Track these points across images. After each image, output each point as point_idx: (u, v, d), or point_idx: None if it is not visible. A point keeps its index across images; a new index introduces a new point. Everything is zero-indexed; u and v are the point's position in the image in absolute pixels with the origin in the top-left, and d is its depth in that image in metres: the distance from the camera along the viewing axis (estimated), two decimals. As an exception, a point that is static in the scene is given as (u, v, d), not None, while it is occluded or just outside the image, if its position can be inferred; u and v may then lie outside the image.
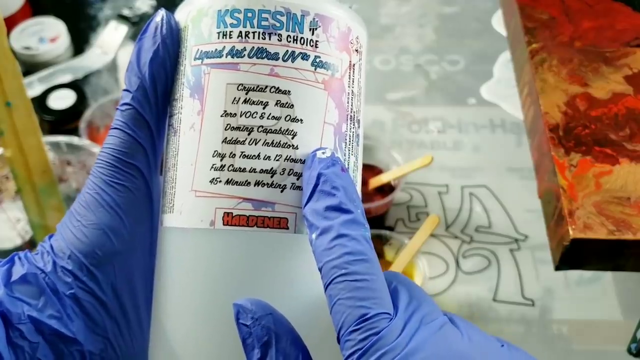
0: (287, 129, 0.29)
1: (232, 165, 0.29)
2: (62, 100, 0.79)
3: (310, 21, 0.30)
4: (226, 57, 0.29)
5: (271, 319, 0.27)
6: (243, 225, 0.29)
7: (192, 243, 0.29)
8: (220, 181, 0.29)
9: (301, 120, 0.29)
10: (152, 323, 0.32)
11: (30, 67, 0.85)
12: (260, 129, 0.29)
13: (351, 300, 0.26)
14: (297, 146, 0.29)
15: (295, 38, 0.29)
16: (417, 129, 0.82)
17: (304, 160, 0.29)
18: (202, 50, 0.30)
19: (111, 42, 0.88)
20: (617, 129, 0.54)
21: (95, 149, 0.70)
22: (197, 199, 0.29)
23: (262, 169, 0.29)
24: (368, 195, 0.70)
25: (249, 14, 0.29)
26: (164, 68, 0.31)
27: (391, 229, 0.72)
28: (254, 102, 0.29)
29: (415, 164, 0.68)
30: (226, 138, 0.29)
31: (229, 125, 0.29)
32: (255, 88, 0.29)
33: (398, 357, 0.25)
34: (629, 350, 0.59)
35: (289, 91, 0.29)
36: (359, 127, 0.32)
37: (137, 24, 0.90)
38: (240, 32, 0.29)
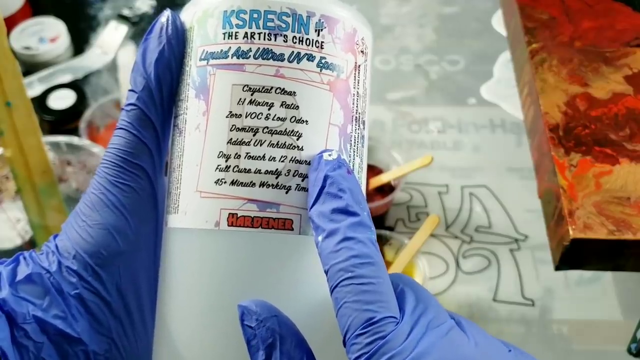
0: (293, 130, 0.29)
1: (237, 166, 0.29)
2: (62, 100, 0.79)
3: (316, 22, 0.30)
4: (232, 57, 0.29)
5: (276, 321, 0.27)
6: (248, 226, 0.29)
7: (196, 244, 0.29)
8: (225, 182, 0.29)
9: (306, 121, 0.29)
10: (156, 324, 0.32)
11: (30, 67, 0.85)
12: (266, 130, 0.29)
13: (357, 303, 0.26)
14: (302, 147, 0.29)
15: (300, 39, 0.29)
16: (417, 129, 0.82)
17: (309, 162, 0.29)
18: (207, 51, 0.30)
19: (111, 42, 0.88)
20: (617, 129, 0.54)
21: (95, 149, 0.70)
22: (202, 199, 0.29)
23: (267, 170, 0.29)
24: (368, 195, 0.70)
25: (255, 15, 0.29)
26: (169, 68, 0.31)
27: (391, 229, 0.72)
28: (259, 103, 0.29)
29: (415, 164, 0.68)
30: (231, 139, 0.29)
31: (234, 126, 0.29)
32: (260, 89, 0.29)
33: None
34: (629, 350, 0.59)
35: (295, 92, 0.29)
36: (364, 128, 0.32)
37: (137, 24, 0.90)
38: (246, 33, 0.29)
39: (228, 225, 0.29)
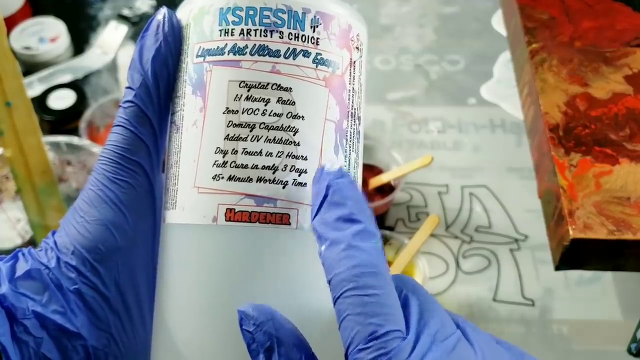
0: (289, 126, 0.29)
1: (235, 161, 0.29)
2: (62, 100, 0.79)
3: (312, 19, 0.30)
4: (228, 54, 0.30)
5: (272, 325, 0.27)
6: (245, 221, 0.29)
7: (194, 239, 0.30)
8: (222, 177, 0.29)
9: (302, 117, 0.30)
10: (154, 319, 0.32)
11: (30, 67, 0.85)
12: (262, 125, 0.29)
13: (361, 316, 0.25)
14: (298, 143, 0.29)
15: (296, 35, 0.30)
16: (417, 129, 0.82)
17: (306, 157, 0.29)
18: (204, 48, 0.30)
19: (111, 42, 0.88)
20: (617, 129, 0.54)
21: (95, 149, 0.70)
22: (200, 195, 0.29)
23: (264, 166, 0.29)
24: (368, 195, 0.70)
25: (251, 12, 0.30)
26: (166, 65, 0.31)
27: (391, 229, 0.72)
28: (255, 99, 0.29)
29: (415, 164, 0.68)
30: (228, 135, 0.29)
31: (231, 122, 0.29)
32: (257, 85, 0.29)
33: None
34: (629, 350, 0.59)
35: (291, 88, 0.29)
36: (359, 124, 0.32)
37: (137, 24, 0.90)
38: (242, 29, 0.30)
39: (226, 221, 0.29)
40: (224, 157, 0.29)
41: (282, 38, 0.30)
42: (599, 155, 0.52)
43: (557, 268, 0.51)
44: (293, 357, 0.27)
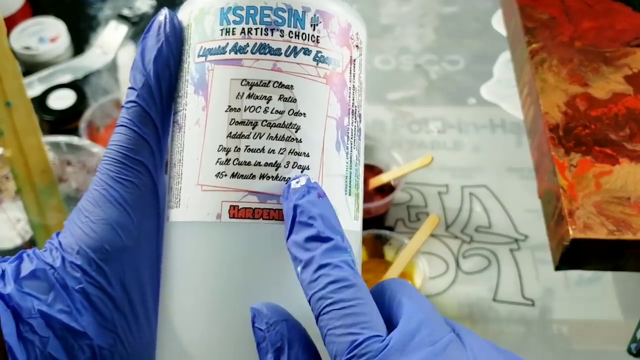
0: (291, 123, 0.30)
1: (237, 159, 0.29)
2: (62, 100, 0.79)
3: (312, 17, 0.30)
4: (229, 53, 0.30)
5: (285, 326, 0.27)
6: (249, 218, 0.29)
7: (198, 237, 0.30)
8: (225, 175, 0.29)
9: (304, 114, 0.30)
10: (159, 318, 0.32)
11: (30, 67, 0.85)
12: (264, 123, 0.29)
13: (340, 328, 0.26)
14: (300, 140, 0.30)
15: (297, 34, 0.30)
16: (417, 129, 0.82)
17: (308, 154, 0.30)
18: (205, 48, 0.30)
19: (111, 42, 0.88)
20: (617, 129, 0.54)
21: (95, 149, 0.70)
22: (204, 193, 0.30)
23: (266, 162, 0.29)
24: (368, 195, 0.70)
25: (251, 11, 0.30)
26: (168, 66, 0.31)
27: (391, 229, 0.72)
28: (257, 96, 0.30)
29: (415, 164, 0.68)
30: (231, 132, 0.29)
31: (233, 120, 0.30)
32: (258, 83, 0.30)
33: None
34: (629, 350, 0.59)
35: (292, 86, 0.30)
36: (360, 121, 0.32)
37: (137, 24, 0.90)
38: (243, 28, 0.30)
39: (229, 218, 0.29)
40: (226, 154, 0.29)
41: (283, 36, 0.30)
42: (599, 155, 0.52)
43: (557, 268, 0.51)
44: None
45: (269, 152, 0.29)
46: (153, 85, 0.31)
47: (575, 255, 0.49)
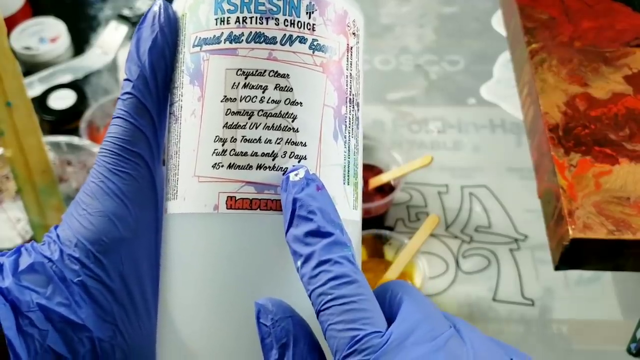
0: (287, 112, 0.29)
1: (234, 149, 0.29)
2: (62, 100, 0.79)
3: (307, 5, 0.30)
4: (224, 42, 0.30)
5: (290, 322, 0.27)
6: (246, 209, 0.29)
7: (196, 228, 0.30)
8: (222, 166, 0.29)
9: (301, 103, 0.30)
10: (159, 310, 0.32)
11: (31, 67, 0.85)
12: (261, 112, 0.29)
13: (340, 324, 0.26)
14: (297, 129, 0.29)
15: (292, 22, 0.30)
16: (417, 129, 0.82)
17: (305, 143, 0.30)
18: (200, 37, 0.30)
19: (111, 42, 0.88)
20: (616, 129, 0.54)
21: (95, 149, 0.71)
22: (200, 184, 0.30)
23: (263, 153, 0.29)
24: (368, 195, 0.70)
25: (246, 0, 0.30)
26: (163, 56, 0.31)
27: (391, 229, 0.72)
28: (253, 86, 0.29)
29: (415, 164, 0.68)
30: (227, 123, 0.29)
31: (229, 110, 0.29)
32: (254, 72, 0.29)
33: None
34: (629, 350, 0.59)
35: (288, 74, 0.29)
36: (358, 110, 0.32)
37: (138, 24, 0.90)
38: (238, 17, 0.30)
39: (227, 209, 0.29)
40: (223, 145, 0.29)
41: (278, 25, 0.30)
42: (598, 155, 0.52)
43: (557, 268, 0.51)
44: (307, 358, 0.27)
45: (265, 142, 0.29)
46: (148, 76, 0.31)
47: (575, 255, 0.49)
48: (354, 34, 0.32)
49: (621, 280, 0.67)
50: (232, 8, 0.30)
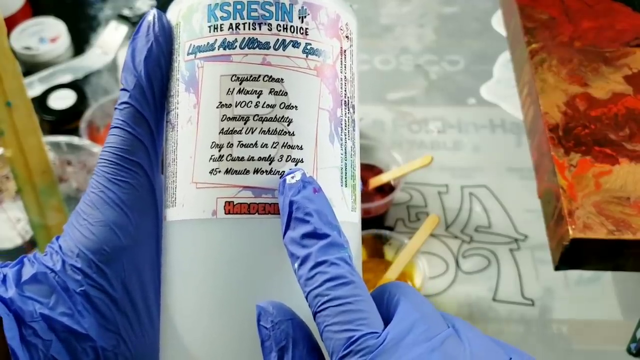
0: (283, 116, 0.30)
1: (231, 155, 0.29)
2: (62, 100, 0.79)
3: (299, 9, 0.30)
4: (218, 49, 0.30)
5: (290, 325, 0.27)
6: (245, 213, 0.29)
7: (195, 234, 0.30)
8: (219, 171, 0.29)
9: (296, 107, 0.30)
10: (161, 317, 0.32)
11: (31, 67, 0.86)
12: (256, 117, 0.29)
13: (337, 325, 0.26)
14: (293, 133, 0.30)
15: (285, 27, 0.30)
16: (417, 129, 0.82)
17: (301, 146, 0.30)
18: (194, 45, 0.31)
19: (111, 42, 0.88)
20: (616, 129, 0.54)
21: (95, 149, 0.71)
22: (198, 190, 0.30)
23: (260, 157, 0.29)
24: (368, 195, 0.70)
25: (238, 6, 0.30)
26: (158, 65, 0.31)
27: (391, 229, 0.72)
28: (248, 91, 0.30)
29: (415, 164, 0.68)
30: (223, 129, 0.29)
31: (225, 116, 0.30)
32: (248, 78, 0.30)
33: None
34: (629, 350, 0.59)
35: (282, 79, 0.30)
36: (354, 112, 0.32)
37: (137, 24, 0.90)
38: (231, 24, 0.30)
39: (225, 214, 0.29)
40: (219, 151, 0.29)
41: (271, 30, 0.30)
42: (598, 155, 0.52)
43: (557, 268, 0.51)
44: None
45: (262, 146, 0.29)
46: (145, 85, 0.31)
47: (575, 255, 0.49)
48: (347, 37, 0.32)
49: (621, 280, 0.67)
50: (225, 15, 0.30)
